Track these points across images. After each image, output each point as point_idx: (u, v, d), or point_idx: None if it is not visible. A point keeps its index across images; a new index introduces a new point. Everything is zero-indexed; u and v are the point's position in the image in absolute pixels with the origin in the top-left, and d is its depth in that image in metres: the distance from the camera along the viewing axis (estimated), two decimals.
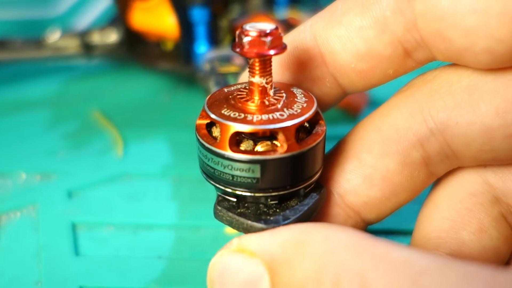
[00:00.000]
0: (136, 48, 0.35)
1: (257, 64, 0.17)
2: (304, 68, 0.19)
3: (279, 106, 0.17)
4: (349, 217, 0.19)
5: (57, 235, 0.24)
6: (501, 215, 0.18)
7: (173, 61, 0.34)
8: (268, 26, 0.17)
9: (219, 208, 0.18)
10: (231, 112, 0.17)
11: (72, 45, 0.36)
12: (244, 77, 0.19)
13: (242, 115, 0.17)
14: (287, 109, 0.17)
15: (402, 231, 0.23)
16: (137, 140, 0.31)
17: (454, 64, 0.18)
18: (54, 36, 0.37)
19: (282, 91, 0.18)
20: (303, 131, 0.18)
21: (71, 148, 0.30)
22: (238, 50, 0.17)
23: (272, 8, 0.38)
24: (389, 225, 0.23)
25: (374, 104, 0.32)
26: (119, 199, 0.26)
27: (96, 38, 0.36)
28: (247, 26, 0.17)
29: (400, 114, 0.18)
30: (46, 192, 0.27)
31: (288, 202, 0.18)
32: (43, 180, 0.28)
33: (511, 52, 0.15)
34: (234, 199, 0.18)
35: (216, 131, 0.18)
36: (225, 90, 0.19)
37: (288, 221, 0.17)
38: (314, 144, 0.17)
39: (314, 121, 0.18)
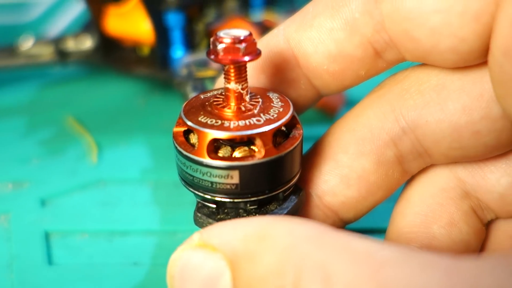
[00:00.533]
0: (111, 54, 0.35)
1: (232, 70, 0.17)
2: (279, 71, 0.19)
3: (255, 111, 0.18)
4: (327, 217, 0.19)
5: (29, 244, 0.24)
6: (471, 209, 0.19)
7: (149, 66, 0.33)
8: (242, 32, 0.17)
9: (199, 214, 0.18)
10: (208, 119, 0.17)
11: (46, 52, 0.36)
12: (220, 82, 0.19)
13: (219, 122, 0.17)
14: (264, 114, 0.17)
15: (379, 229, 0.23)
16: (112, 146, 0.30)
17: (423, 64, 0.18)
18: (27, 44, 0.36)
19: (258, 96, 0.18)
20: (280, 135, 0.18)
21: (44, 155, 0.30)
22: (213, 57, 0.17)
23: (247, 11, 0.38)
24: (367, 224, 0.23)
25: (351, 104, 0.32)
26: (94, 206, 0.26)
27: (71, 44, 0.36)
28: (221, 33, 0.17)
29: (373, 114, 0.19)
30: (18, 200, 0.26)
31: (268, 206, 0.18)
32: (16, 188, 0.27)
33: (475, 50, 0.16)
34: (214, 206, 0.18)
35: (193, 138, 0.18)
36: (202, 96, 0.19)
37: None
38: (291, 148, 0.17)
39: (291, 124, 0.18)
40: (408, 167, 0.19)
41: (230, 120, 0.17)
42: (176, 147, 0.18)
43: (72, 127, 0.32)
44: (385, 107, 0.18)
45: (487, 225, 0.19)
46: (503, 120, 0.16)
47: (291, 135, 0.18)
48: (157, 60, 0.32)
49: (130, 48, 0.35)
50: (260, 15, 0.39)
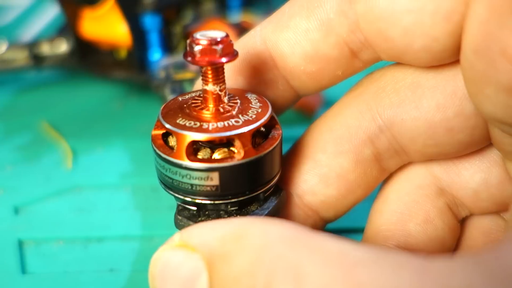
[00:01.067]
0: (88, 58, 0.34)
1: (209, 72, 0.17)
2: (256, 73, 0.19)
3: (234, 112, 0.17)
4: (308, 216, 0.19)
5: (2, 253, 0.23)
6: (446, 206, 0.19)
7: (127, 69, 0.33)
8: (218, 34, 0.17)
9: (180, 217, 0.18)
10: (186, 121, 0.17)
11: (20, 57, 0.35)
12: (199, 84, 0.19)
13: (198, 124, 0.17)
14: (242, 115, 0.17)
15: (358, 229, 0.23)
16: (88, 151, 0.30)
17: (399, 63, 0.18)
18: (0, 48, 0.35)
19: (237, 97, 0.18)
20: (259, 136, 0.18)
21: (18, 162, 0.29)
22: (189, 59, 0.17)
23: (225, 13, 0.38)
24: (346, 223, 0.23)
25: (329, 104, 0.32)
26: (69, 213, 0.25)
27: (46, 49, 0.35)
28: (198, 35, 0.17)
29: (351, 113, 0.19)
30: None
31: (249, 207, 0.18)
32: None
33: (447, 49, 0.16)
34: (195, 208, 0.18)
35: (172, 141, 0.18)
36: (180, 99, 0.19)
37: None
38: (270, 148, 0.17)
39: (269, 125, 0.18)
40: (386, 165, 0.19)
41: (208, 122, 0.17)
42: (155, 150, 0.17)
43: (47, 133, 0.32)
44: (362, 106, 0.18)
45: (462, 222, 0.19)
46: (476, 117, 0.17)
47: (270, 136, 0.18)
48: (135, 63, 0.32)
49: (106, 52, 0.34)
50: (237, 16, 0.39)
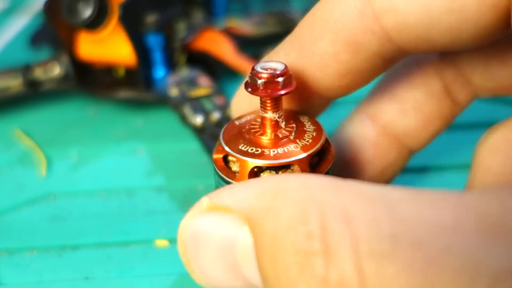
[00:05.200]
0: (84, 79, 0.33)
1: (269, 102, 0.18)
2: (290, 96, 0.20)
3: (291, 137, 0.19)
4: (392, 144, 0.22)
5: None
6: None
7: (130, 88, 0.32)
8: (278, 66, 0.18)
9: None
10: (248, 147, 0.18)
11: (14, 84, 0.33)
12: (240, 107, 0.21)
13: (259, 150, 0.18)
14: (299, 140, 0.18)
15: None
16: (61, 158, 0.29)
17: None
18: None
19: (292, 122, 0.19)
20: (314, 156, 0.19)
21: None
22: (250, 90, 0.18)
23: (211, 20, 0.38)
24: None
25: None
26: (43, 221, 0.25)
27: (40, 73, 0.33)
28: (259, 68, 0.18)
29: None
30: None
31: None
32: None
33: (496, 25, 0.16)
34: None
35: (234, 166, 0.19)
36: (237, 123, 0.20)
37: None
38: (326, 170, 0.19)
39: (323, 146, 0.19)
40: (456, 98, 0.21)
41: (269, 148, 0.18)
42: (218, 173, 0.19)
43: (20, 140, 0.31)
44: None
45: None
46: None
47: (324, 158, 0.19)
48: (141, 82, 0.31)
49: (103, 71, 0.33)
50: (223, 22, 0.39)
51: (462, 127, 0.29)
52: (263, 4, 0.46)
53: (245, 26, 0.40)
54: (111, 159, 0.29)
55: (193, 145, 0.29)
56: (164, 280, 0.21)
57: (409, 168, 0.26)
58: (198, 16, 0.36)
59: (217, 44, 0.34)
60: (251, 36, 0.39)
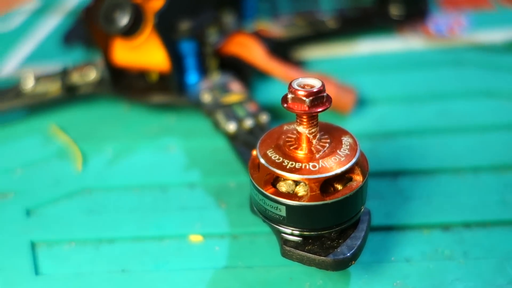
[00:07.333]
0: (119, 83, 0.34)
1: (305, 118, 0.19)
2: None
3: (321, 154, 0.19)
4: None
5: (15, 255, 0.23)
6: None
7: (164, 93, 0.33)
8: (316, 83, 0.19)
9: (287, 248, 0.19)
10: (282, 160, 0.19)
11: (53, 88, 0.34)
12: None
13: (293, 164, 0.19)
14: (324, 160, 0.19)
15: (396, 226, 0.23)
16: (96, 153, 0.30)
17: None
18: (29, 81, 0.35)
19: (327, 137, 0.20)
20: (338, 181, 0.19)
21: (28, 165, 0.29)
22: (285, 106, 0.19)
23: (241, 23, 0.39)
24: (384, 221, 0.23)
25: (364, 102, 0.32)
26: (80, 214, 0.26)
27: (76, 78, 0.35)
28: (296, 85, 0.19)
29: None
30: (3, 211, 0.26)
31: (347, 231, 0.20)
32: (0, 199, 0.27)
33: None
34: (300, 238, 0.20)
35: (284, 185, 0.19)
36: (275, 135, 0.21)
37: (353, 250, 0.19)
38: (340, 197, 0.19)
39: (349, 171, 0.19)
40: None
41: (301, 162, 0.19)
42: (253, 185, 0.20)
43: (57, 136, 0.32)
44: None
45: None
46: None
47: (347, 185, 0.19)
48: (174, 87, 0.32)
49: (136, 75, 0.34)
50: (252, 25, 0.40)
51: (462, 129, 0.29)
52: (291, 3, 0.46)
53: (275, 28, 0.40)
54: (144, 155, 0.30)
55: (224, 143, 0.29)
56: (199, 275, 0.22)
57: (408, 171, 0.26)
58: (228, 20, 0.37)
59: (248, 48, 0.34)
60: (281, 38, 0.39)
